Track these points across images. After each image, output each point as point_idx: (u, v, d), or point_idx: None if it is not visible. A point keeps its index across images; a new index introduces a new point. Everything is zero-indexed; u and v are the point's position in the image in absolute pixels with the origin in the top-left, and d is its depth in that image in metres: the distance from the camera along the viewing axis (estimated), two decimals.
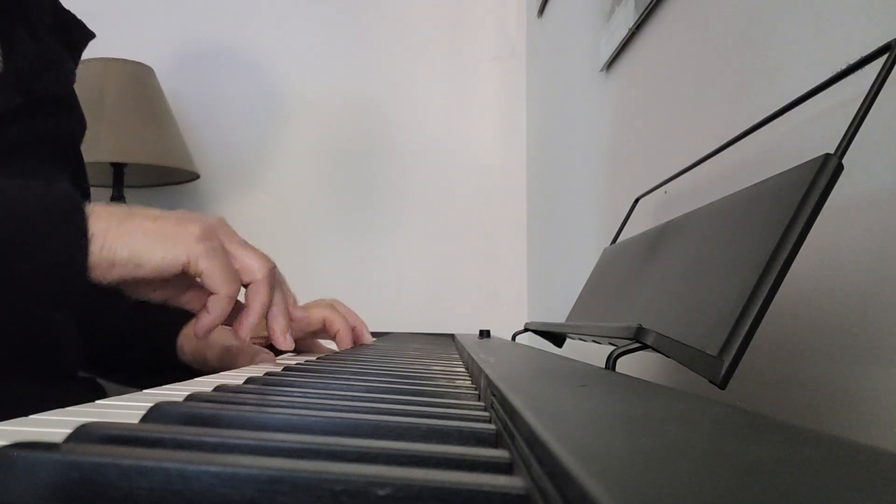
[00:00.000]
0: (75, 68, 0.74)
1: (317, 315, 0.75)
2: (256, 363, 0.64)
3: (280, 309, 0.56)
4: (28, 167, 0.62)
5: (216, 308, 0.51)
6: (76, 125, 0.74)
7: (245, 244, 0.55)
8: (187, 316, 0.75)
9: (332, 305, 0.76)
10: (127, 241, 0.47)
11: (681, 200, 0.67)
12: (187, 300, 0.55)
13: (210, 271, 0.49)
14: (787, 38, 0.50)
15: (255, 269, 0.53)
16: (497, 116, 1.82)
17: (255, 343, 0.71)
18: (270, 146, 1.81)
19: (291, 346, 0.57)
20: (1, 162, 0.60)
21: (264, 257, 0.55)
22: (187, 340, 0.75)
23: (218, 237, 0.52)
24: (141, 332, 0.77)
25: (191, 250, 0.48)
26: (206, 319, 0.52)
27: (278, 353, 0.74)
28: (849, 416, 0.40)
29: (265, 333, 0.70)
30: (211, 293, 0.51)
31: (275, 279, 0.56)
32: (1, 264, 0.44)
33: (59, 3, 0.74)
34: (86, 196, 0.75)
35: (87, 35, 0.76)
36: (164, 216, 0.50)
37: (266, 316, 0.55)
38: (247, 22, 1.83)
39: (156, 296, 0.53)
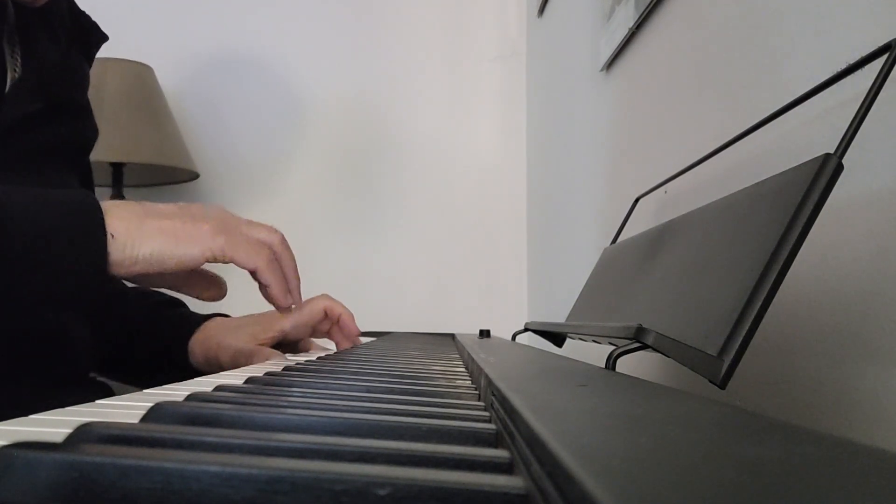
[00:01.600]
0: (89, 71, 0.76)
1: (317, 305, 0.78)
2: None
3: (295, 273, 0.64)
4: (44, 171, 0.65)
5: (268, 278, 0.58)
6: (90, 132, 0.75)
7: (251, 223, 0.61)
8: (197, 321, 0.79)
9: (326, 296, 0.80)
10: (148, 241, 0.51)
11: (681, 200, 0.67)
12: (190, 287, 0.60)
13: (239, 256, 0.56)
14: (787, 38, 0.50)
15: (271, 241, 0.60)
16: (497, 116, 1.82)
17: (264, 344, 0.74)
18: (270, 146, 1.81)
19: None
20: (18, 165, 0.62)
21: (272, 229, 0.62)
22: (199, 345, 0.78)
23: (230, 225, 0.57)
24: (152, 337, 0.79)
25: (211, 245, 0.54)
26: (274, 292, 0.59)
27: (286, 352, 0.76)
28: (849, 416, 0.40)
29: (273, 335, 0.73)
30: (207, 282, 0.60)
31: (288, 248, 0.63)
32: (27, 266, 0.46)
33: (76, 5, 0.75)
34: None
35: (101, 38, 0.78)
36: (177, 213, 0.55)
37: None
38: (247, 22, 1.83)
39: (163, 284, 0.58)
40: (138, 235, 0.51)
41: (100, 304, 0.75)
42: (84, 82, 0.74)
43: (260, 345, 0.74)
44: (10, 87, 0.63)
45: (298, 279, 0.64)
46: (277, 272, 0.59)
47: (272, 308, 0.64)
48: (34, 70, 0.65)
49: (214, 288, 0.62)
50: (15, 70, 0.64)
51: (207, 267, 0.58)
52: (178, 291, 0.61)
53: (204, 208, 0.57)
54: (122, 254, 0.50)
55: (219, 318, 0.81)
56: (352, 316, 0.79)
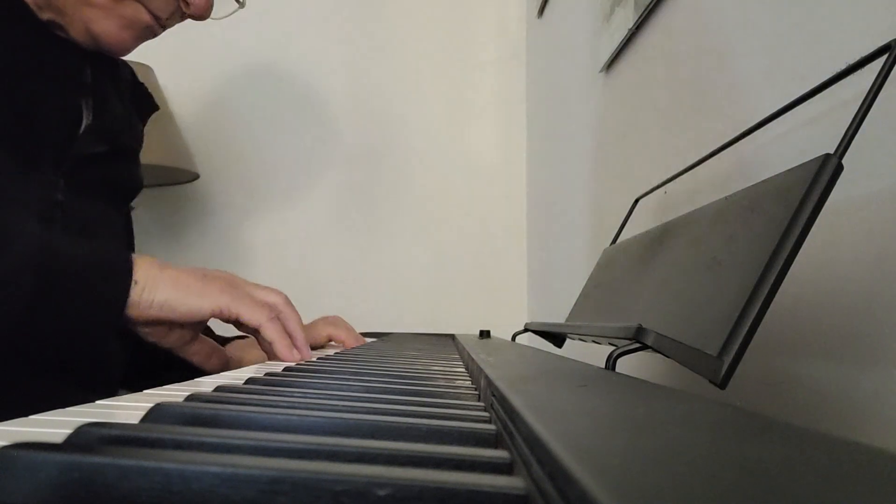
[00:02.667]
0: (143, 133, 0.88)
1: (322, 332, 0.85)
2: None
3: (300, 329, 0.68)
4: (97, 205, 0.75)
5: (271, 335, 0.61)
6: (138, 181, 0.86)
7: (257, 286, 0.66)
8: (221, 343, 0.87)
9: (334, 323, 0.88)
10: (163, 289, 0.58)
11: (681, 200, 0.67)
12: (193, 351, 0.65)
13: (244, 313, 0.60)
14: (787, 38, 0.50)
15: (274, 302, 0.65)
16: (497, 117, 1.82)
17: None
18: (270, 146, 1.81)
19: (309, 355, 0.68)
20: (81, 195, 0.72)
21: (276, 291, 0.67)
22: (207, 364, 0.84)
23: (238, 286, 0.62)
24: (176, 360, 0.85)
25: (219, 301, 0.59)
26: (277, 347, 0.62)
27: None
28: (849, 416, 0.40)
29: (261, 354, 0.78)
30: (209, 348, 0.66)
31: (292, 309, 0.67)
32: (64, 302, 0.53)
33: (136, 76, 0.88)
34: (131, 236, 0.90)
35: (154, 107, 0.91)
36: (192, 271, 0.61)
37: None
38: (247, 22, 1.83)
39: (167, 341, 0.63)
40: (155, 283, 0.57)
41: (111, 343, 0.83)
42: (141, 138, 0.86)
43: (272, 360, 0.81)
44: (82, 130, 0.74)
45: (304, 335, 0.67)
46: (280, 330, 0.62)
47: None
48: (103, 118, 0.76)
49: (216, 357, 0.67)
50: (88, 118, 0.74)
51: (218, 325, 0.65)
52: (184, 355, 0.66)
53: (218, 271, 0.64)
54: (140, 297, 0.56)
55: (238, 339, 0.89)
56: (357, 337, 0.87)
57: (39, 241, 0.54)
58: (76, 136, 0.72)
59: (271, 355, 0.64)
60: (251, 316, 0.60)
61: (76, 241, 0.58)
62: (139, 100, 0.88)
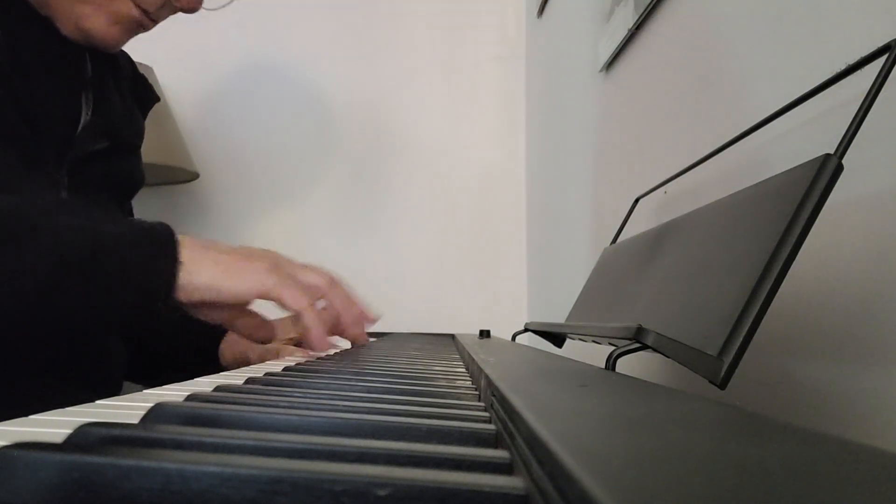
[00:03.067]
0: (144, 125, 0.87)
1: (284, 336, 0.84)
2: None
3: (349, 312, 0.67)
4: (99, 201, 0.75)
5: (310, 321, 0.60)
6: (139, 176, 0.85)
7: (304, 266, 0.65)
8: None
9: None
10: (209, 270, 0.56)
11: (681, 200, 0.67)
12: (242, 325, 0.63)
13: (287, 296, 0.58)
14: (787, 39, 0.50)
15: (319, 285, 0.64)
16: (497, 116, 1.82)
17: (288, 343, 0.82)
18: (270, 146, 1.81)
19: (366, 340, 0.69)
20: (82, 191, 0.72)
21: (322, 272, 0.66)
22: (228, 347, 0.86)
23: (282, 267, 0.61)
24: (186, 342, 0.87)
25: (265, 281, 0.58)
26: (311, 335, 0.60)
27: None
28: (849, 416, 0.40)
29: (294, 335, 0.77)
30: (258, 322, 0.63)
31: (338, 287, 0.66)
32: (107, 283, 0.52)
33: (136, 68, 0.88)
34: None
35: (154, 99, 0.90)
36: (235, 250, 0.60)
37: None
38: (247, 21, 1.83)
39: (216, 317, 0.61)
40: (200, 264, 0.56)
41: (156, 329, 0.83)
42: (142, 132, 0.86)
43: (285, 343, 0.82)
44: (81, 127, 0.73)
45: (355, 311, 0.67)
46: (317, 317, 0.61)
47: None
48: (103, 114, 0.75)
49: (264, 330, 0.65)
50: (87, 113, 0.73)
51: (260, 305, 0.62)
52: (233, 329, 0.64)
53: (262, 250, 0.63)
54: (187, 278, 0.55)
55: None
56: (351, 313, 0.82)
57: (77, 225, 0.52)
58: (77, 132, 0.72)
59: (307, 343, 0.62)
60: (294, 301, 0.59)
61: (116, 220, 0.57)
62: (140, 92, 0.87)
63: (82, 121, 0.73)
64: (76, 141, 0.72)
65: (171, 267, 0.54)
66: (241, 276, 0.57)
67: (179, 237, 0.57)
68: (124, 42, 0.75)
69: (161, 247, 0.55)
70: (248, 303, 0.60)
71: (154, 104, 0.91)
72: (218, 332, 0.86)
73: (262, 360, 0.77)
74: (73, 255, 0.50)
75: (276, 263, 0.61)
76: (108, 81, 0.78)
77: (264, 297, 0.58)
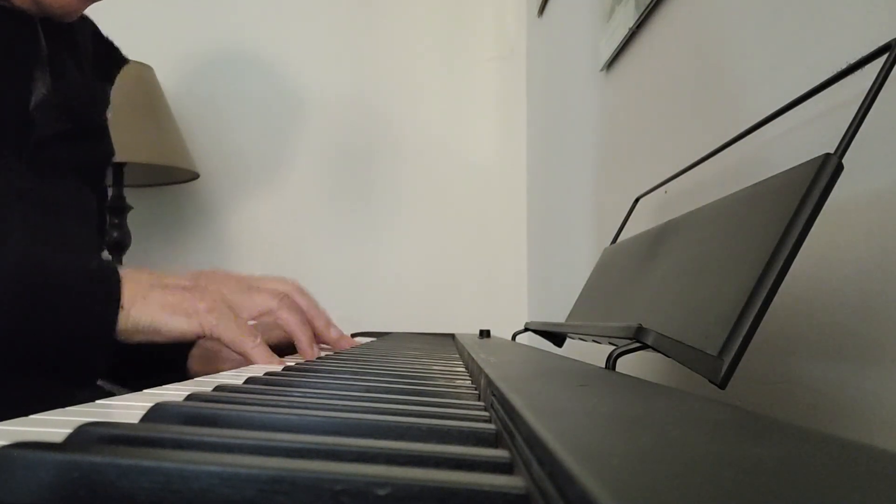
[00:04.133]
0: (110, 92, 0.82)
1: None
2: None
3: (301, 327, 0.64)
4: (66, 187, 0.71)
5: (256, 358, 0.58)
6: (107, 153, 0.81)
7: (257, 289, 0.63)
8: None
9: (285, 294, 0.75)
10: (148, 311, 0.55)
11: (681, 200, 0.67)
12: (191, 355, 0.63)
13: (227, 337, 0.57)
14: (787, 39, 0.50)
15: (271, 308, 0.62)
16: (497, 116, 1.82)
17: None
18: (270, 145, 1.81)
19: (316, 355, 0.64)
20: (45, 180, 0.67)
21: (272, 293, 0.63)
22: (196, 361, 0.81)
23: (229, 300, 0.60)
24: (155, 349, 0.83)
25: (204, 322, 0.57)
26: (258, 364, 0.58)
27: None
28: (849, 416, 0.40)
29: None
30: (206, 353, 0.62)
31: (291, 302, 0.64)
32: (44, 327, 0.51)
33: (99, 31, 0.81)
34: (102, 216, 0.83)
35: (121, 61, 0.84)
36: (182, 287, 0.58)
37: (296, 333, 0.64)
38: (247, 21, 1.83)
39: (160, 348, 0.60)
40: (141, 305, 0.55)
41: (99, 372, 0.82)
42: (104, 104, 0.80)
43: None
44: (35, 105, 0.67)
45: (308, 334, 0.64)
46: (265, 353, 0.59)
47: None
48: (61, 92, 0.70)
49: (213, 365, 0.65)
50: (43, 93, 0.68)
51: None
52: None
53: (212, 278, 0.62)
54: (126, 324, 0.55)
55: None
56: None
57: (24, 257, 0.52)
58: (31, 110, 0.67)
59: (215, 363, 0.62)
60: (233, 340, 0.57)
61: (63, 258, 0.56)
62: (104, 58, 0.81)
63: (34, 100, 0.68)
64: (34, 124, 0.67)
65: (112, 313, 0.54)
66: (181, 316, 0.57)
67: (123, 275, 0.56)
68: (82, 9, 0.71)
69: (103, 289, 0.55)
70: (189, 340, 0.59)
71: (122, 67, 0.84)
72: (183, 348, 0.84)
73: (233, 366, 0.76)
74: (14, 289, 0.50)
75: (221, 298, 0.59)
76: (65, 56, 0.72)
77: (205, 337, 0.58)
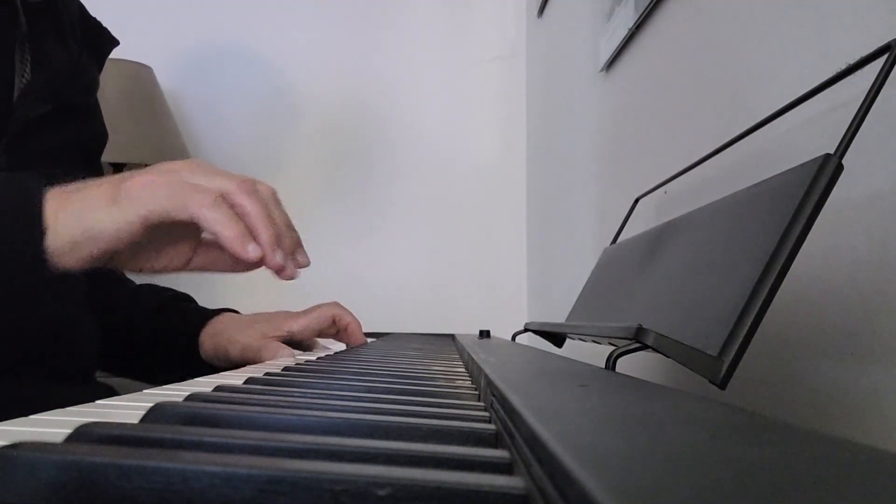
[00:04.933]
0: (99, 75, 0.77)
1: (326, 312, 0.78)
2: (278, 358, 0.67)
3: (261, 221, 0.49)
4: (53, 170, 0.61)
5: (212, 223, 0.46)
6: (99, 134, 0.77)
7: (212, 171, 0.49)
8: (207, 316, 0.81)
9: (336, 304, 0.80)
10: (76, 218, 0.44)
11: (681, 200, 0.67)
12: (200, 264, 0.51)
13: (171, 206, 0.44)
14: (787, 38, 0.50)
15: (228, 189, 0.47)
16: (497, 116, 1.82)
17: (274, 340, 0.74)
18: (270, 146, 1.81)
19: (283, 265, 0.50)
20: (30, 167, 0.59)
21: (231, 177, 0.49)
22: (209, 339, 0.78)
23: (174, 173, 0.47)
24: (164, 330, 0.80)
25: (147, 204, 0.44)
26: (225, 238, 0.46)
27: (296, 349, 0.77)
28: (849, 416, 0.40)
29: (280, 335, 0.74)
30: (222, 245, 0.46)
31: (251, 191, 0.49)
32: None
33: (86, 11, 0.76)
34: None
35: (111, 42, 0.79)
36: (109, 179, 0.47)
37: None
38: (246, 22, 1.83)
39: (157, 266, 0.50)
40: (65, 215, 0.44)
41: (112, 306, 0.76)
42: (93, 85, 0.75)
43: (271, 339, 0.72)
44: (19, 90, 0.63)
45: (270, 232, 0.49)
46: (228, 215, 0.46)
47: (283, 309, 0.64)
48: (43, 74, 0.65)
49: (230, 265, 0.53)
50: (24, 75, 0.63)
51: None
52: (199, 270, 0.53)
53: (156, 165, 0.48)
54: (55, 241, 0.44)
55: (228, 313, 0.81)
56: (359, 325, 0.81)
57: None
58: (15, 97, 0.62)
59: (218, 262, 0.49)
60: (182, 207, 0.44)
61: None
62: (92, 38, 0.75)
63: (17, 84, 0.63)
64: (15, 108, 0.62)
65: (37, 242, 0.44)
66: (113, 207, 0.44)
67: (49, 193, 0.46)
68: None
69: (22, 218, 0.44)
70: (138, 239, 0.46)
71: (113, 48, 0.78)
72: (198, 320, 0.78)
73: (242, 356, 0.72)
74: None
75: (164, 172, 0.47)
76: (48, 36, 0.67)
77: (156, 219, 0.45)
